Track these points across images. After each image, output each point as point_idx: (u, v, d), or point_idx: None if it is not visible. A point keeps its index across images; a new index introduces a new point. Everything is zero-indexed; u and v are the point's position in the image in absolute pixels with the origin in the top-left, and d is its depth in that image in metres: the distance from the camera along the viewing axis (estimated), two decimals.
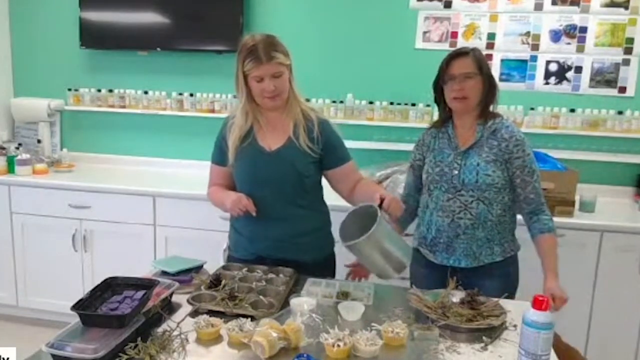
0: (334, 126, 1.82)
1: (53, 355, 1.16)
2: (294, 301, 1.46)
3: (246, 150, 1.78)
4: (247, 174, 1.79)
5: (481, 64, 1.78)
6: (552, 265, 1.77)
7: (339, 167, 1.78)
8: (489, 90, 1.80)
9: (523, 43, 2.93)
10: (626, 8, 2.81)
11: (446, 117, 1.89)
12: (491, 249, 1.81)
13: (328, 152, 1.77)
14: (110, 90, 3.39)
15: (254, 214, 1.71)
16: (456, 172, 1.80)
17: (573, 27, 2.87)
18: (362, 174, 1.86)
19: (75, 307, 1.27)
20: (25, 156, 3.10)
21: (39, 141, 3.41)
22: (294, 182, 1.74)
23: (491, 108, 1.84)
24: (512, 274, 1.86)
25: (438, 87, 1.85)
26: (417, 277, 1.97)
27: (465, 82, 1.76)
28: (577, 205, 2.57)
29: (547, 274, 1.76)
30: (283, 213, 1.59)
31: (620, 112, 2.85)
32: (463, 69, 1.76)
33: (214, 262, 1.88)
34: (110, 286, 1.43)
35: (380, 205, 1.52)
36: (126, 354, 1.18)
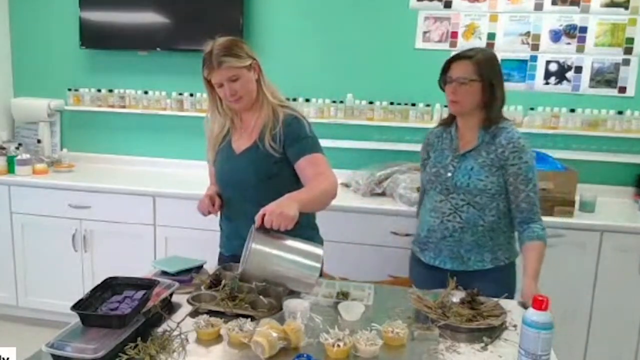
0: (301, 122, 1.73)
1: (53, 355, 1.16)
2: (287, 303, 1.44)
3: (221, 151, 1.82)
4: (218, 174, 1.85)
5: (482, 69, 1.72)
6: (533, 271, 1.67)
7: (294, 163, 1.71)
8: (491, 95, 1.74)
9: (523, 43, 2.93)
10: (626, 8, 2.81)
11: (453, 116, 1.87)
12: (481, 255, 1.78)
13: (287, 148, 1.72)
14: (110, 90, 3.39)
15: (215, 214, 1.80)
16: (450, 174, 1.80)
17: (573, 27, 2.87)
18: (323, 171, 1.68)
19: (75, 307, 1.27)
20: (25, 156, 3.10)
21: (39, 141, 3.40)
22: (256, 184, 1.73)
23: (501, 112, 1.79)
24: (505, 281, 1.79)
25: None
26: (413, 276, 1.97)
27: (460, 87, 1.73)
28: (577, 205, 2.57)
29: (527, 280, 1.66)
30: (250, 213, 1.58)
31: (620, 112, 2.85)
32: (459, 73, 1.73)
33: (214, 262, 1.89)
34: (110, 286, 1.43)
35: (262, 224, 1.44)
36: (126, 354, 1.18)
